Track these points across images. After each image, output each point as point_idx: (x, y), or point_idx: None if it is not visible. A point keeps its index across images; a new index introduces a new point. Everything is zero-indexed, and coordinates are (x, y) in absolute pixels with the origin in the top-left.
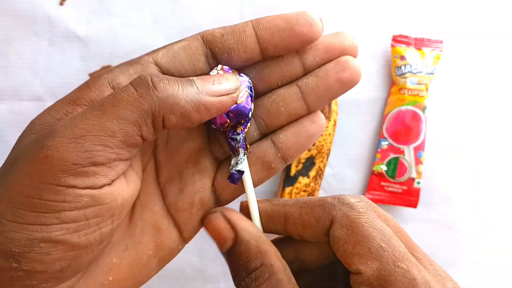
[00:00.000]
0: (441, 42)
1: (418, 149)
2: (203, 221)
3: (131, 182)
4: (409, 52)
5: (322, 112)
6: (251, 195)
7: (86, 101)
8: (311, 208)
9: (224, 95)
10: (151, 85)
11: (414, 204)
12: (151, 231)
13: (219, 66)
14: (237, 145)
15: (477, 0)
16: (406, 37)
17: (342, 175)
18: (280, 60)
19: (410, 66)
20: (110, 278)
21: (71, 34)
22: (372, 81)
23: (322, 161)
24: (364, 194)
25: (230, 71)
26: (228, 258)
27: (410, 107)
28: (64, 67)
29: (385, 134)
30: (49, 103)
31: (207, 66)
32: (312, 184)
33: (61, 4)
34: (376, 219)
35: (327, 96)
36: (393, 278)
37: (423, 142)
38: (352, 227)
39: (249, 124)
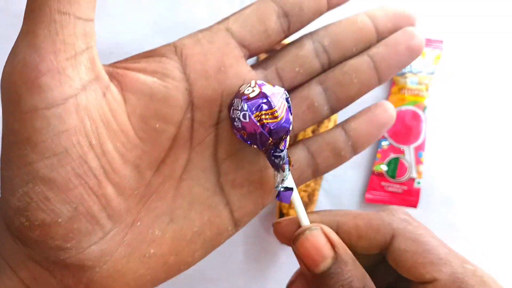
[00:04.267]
0: (441, 42)
1: (419, 149)
2: (296, 237)
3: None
4: None
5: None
6: (301, 209)
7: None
8: (368, 220)
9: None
10: None
11: (414, 204)
12: (199, 207)
13: (253, 82)
14: (281, 162)
15: (478, 0)
16: None
17: (342, 175)
18: (354, 23)
19: (410, 66)
20: (152, 251)
21: None
22: None
23: None
24: (364, 194)
25: (265, 85)
26: (321, 278)
27: (411, 107)
28: None
29: (385, 134)
30: None
31: (278, 25)
32: (312, 184)
33: None
34: (428, 231)
35: (398, 64)
36: (466, 279)
37: (423, 142)
38: (416, 239)
39: (288, 137)
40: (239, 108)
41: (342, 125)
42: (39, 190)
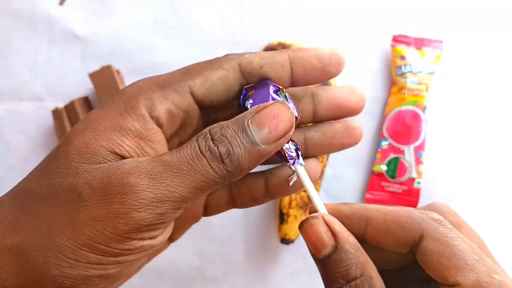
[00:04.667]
0: (441, 42)
1: (418, 149)
2: (302, 224)
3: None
4: (409, 52)
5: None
6: (316, 197)
7: (132, 132)
8: (397, 218)
9: (282, 137)
10: (221, 160)
11: (414, 204)
12: None
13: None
14: (287, 154)
15: (477, 0)
16: (406, 37)
17: (342, 175)
18: (296, 98)
19: (410, 66)
20: (121, 280)
21: (71, 34)
22: (372, 81)
23: (322, 161)
24: (364, 194)
25: (276, 87)
26: (323, 264)
27: (410, 107)
28: (64, 67)
29: (385, 134)
30: (49, 103)
31: (238, 94)
32: None
33: (61, 4)
34: (461, 235)
35: (325, 151)
36: None
37: (423, 142)
38: (445, 241)
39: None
40: (248, 101)
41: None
42: None
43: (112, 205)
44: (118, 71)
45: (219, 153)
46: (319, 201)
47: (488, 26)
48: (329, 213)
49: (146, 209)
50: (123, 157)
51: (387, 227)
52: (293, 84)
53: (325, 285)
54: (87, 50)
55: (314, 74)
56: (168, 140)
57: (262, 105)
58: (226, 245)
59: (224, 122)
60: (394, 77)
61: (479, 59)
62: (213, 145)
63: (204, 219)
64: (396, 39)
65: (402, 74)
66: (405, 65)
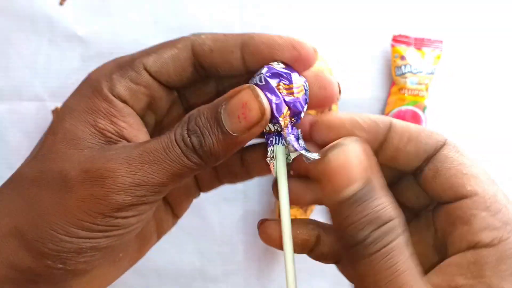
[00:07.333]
0: (441, 42)
1: None
2: (327, 153)
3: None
4: (409, 52)
5: (322, 112)
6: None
7: (102, 112)
8: (420, 128)
9: (254, 126)
10: (194, 150)
11: None
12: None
13: (281, 64)
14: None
15: (477, 0)
16: (406, 37)
17: None
18: None
19: (410, 66)
20: (121, 255)
21: (71, 34)
22: (372, 81)
23: None
24: None
25: (292, 68)
26: (342, 207)
27: (410, 107)
28: (64, 67)
29: None
30: (49, 103)
31: (195, 74)
32: None
33: (61, 4)
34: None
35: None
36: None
37: None
38: (463, 161)
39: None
40: (258, 73)
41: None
42: None
43: (94, 187)
44: None
45: (192, 144)
46: (285, 192)
47: (488, 26)
48: (348, 122)
49: (124, 192)
50: (104, 137)
51: (411, 133)
52: (247, 69)
53: (342, 237)
54: (87, 50)
55: (265, 61)
56: (142, 114)
57: (233, 90)
58: (226, 245)
59: (202, 107)
60: (394, 77)
61: (479, 59)
62: (186, 135)
63: (204, 220)
64: (396, 39)
65: (402, 74)
66: (405, 65)
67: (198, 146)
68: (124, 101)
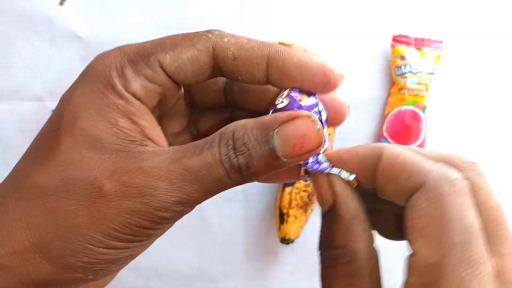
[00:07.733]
0: (441, 42)
1: None
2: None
3: None
4: (409, 52)
5: None
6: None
7: (120, 110)
8: (408, 161)
9: (308, 155)
10: (240, 172)
11: None
12: None
13: (286, 92)
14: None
15: (477, 1)
16: (406, 37)
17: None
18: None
19: (410, 66)
20: None
21: (71, 34)
22: (372, 81)
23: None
24: None
25: (300, 95)
26: (322, 220)
27: (410, 107)
28: (64, 67)
29: (385, 134)
30: (49, 103)
31: (211, 76)
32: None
33: (61, 4)
34: (469, 206)
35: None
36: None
37: (423, 142)
38: (438, 205)
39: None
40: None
41: None
42: None
43: (135, 204)
44: None
45: (239, 165)
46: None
47: (488, 26)
48: (344, 155)
49: (167, 210)
50: (128, 137)
51: (393, 169)
52: (270, 83)
53: (318, 246)
54: (87, 50)
55: (290, 84)
56: (152, 111)
57: (288, 114)
58: (226, 245)
59: (249, 123)
60: (394, 77)
61: (479, 59)
62: (233, 156)
63: (204, 219)
64: (396, 39)
65: (402, 74)
66: (405, 65)
67: (244, 168)
68: (138, 99)
